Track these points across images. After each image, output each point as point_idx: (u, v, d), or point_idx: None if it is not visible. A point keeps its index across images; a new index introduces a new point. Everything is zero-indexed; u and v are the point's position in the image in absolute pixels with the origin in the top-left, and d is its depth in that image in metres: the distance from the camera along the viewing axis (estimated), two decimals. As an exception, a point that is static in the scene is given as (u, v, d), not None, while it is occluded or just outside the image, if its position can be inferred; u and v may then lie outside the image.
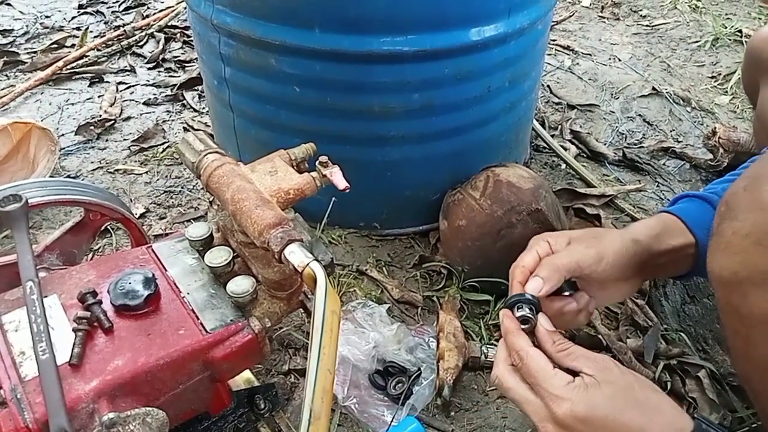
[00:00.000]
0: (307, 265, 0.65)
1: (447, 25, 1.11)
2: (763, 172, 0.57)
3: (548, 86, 1.88)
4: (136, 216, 1.40)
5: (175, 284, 0.75)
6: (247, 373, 0.91)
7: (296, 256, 0.66)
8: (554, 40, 2.11)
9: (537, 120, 1.71)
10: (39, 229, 1.36)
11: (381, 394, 1.00)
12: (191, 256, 0.79)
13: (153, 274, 0.72)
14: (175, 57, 2.05)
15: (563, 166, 1.57)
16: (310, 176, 0.76)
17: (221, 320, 0.71)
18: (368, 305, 1.07)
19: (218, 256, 0.76)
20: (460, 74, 1.17)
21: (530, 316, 0.66)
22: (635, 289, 0.79)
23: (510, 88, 1.27)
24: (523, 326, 0.65)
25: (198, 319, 0.71)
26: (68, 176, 1.52)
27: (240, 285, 0.72)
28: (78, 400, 0.60)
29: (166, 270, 0.77)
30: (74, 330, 0.65)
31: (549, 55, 2.03)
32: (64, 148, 1.60)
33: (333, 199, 1.18)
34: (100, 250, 1.32)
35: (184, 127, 1.70)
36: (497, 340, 1.11)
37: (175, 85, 1.88)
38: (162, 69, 2.00)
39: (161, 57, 2.04)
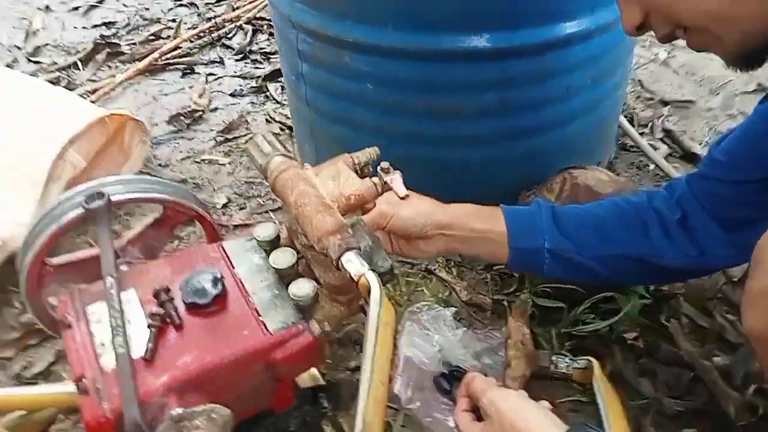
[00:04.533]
0: (363, 275, 0.65)
1: (526, 21, 1.07)
2: None
3: (639, 80, 1.77)
4: (219, 206, 1.47)
5: (241, 283, 0.78)
6: (312, 370, 0.93)
7: (353, 265, 0.66)
8: (649, 30, 1.99)
9: (625, 116, 1.62)
10: (133, 216, 1.45)
11: (446, 398, 1.00)
12: (258, 256, 0.82)
13: (221, 274, 0.75)
14: (261, 49, 2.11)
15: (651, 167, 1.48)
16: (372, 182, 0.76)
17: (283, 322, 0.73)
18: (434, 308, 1.06)
19: (282, 258, 0.77)
20: (538, 73, 1.12)
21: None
22: (437, 250, 0.92)
23: (593, 87, 1.21)
24: None
25: (261, 319, 0.73)
26: (159, 164, 1.61)
27: (302, 288, 0.74)
28: (150, 393, 0.64)
29: (234, 268, 0.80)
30: (148, 326, 0.69)
31: (642, 46, 1.91)
32: (156, 138, 1.70)
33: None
34: (185, 237, 1.39)
35: (266, 119, 1.75)
36: (569, 350, 1.07)
37: (259, 76, 1.93)
38: (248, 60, 2.06)
39: (248, 48, 2.10)
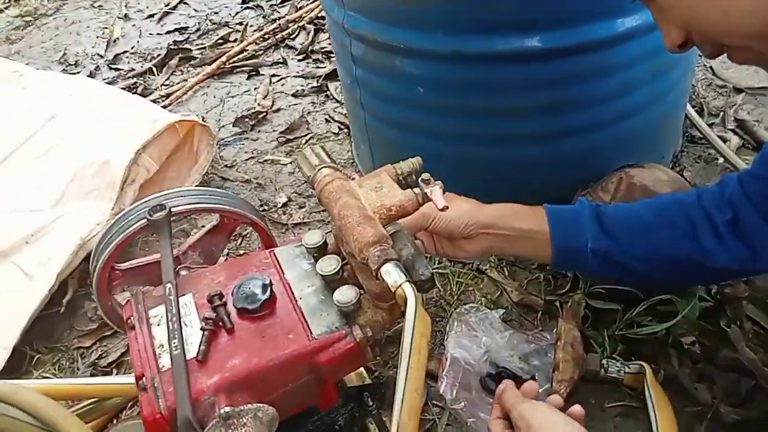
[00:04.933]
0: (400, 285, 0.67)
1: (582, 19, 1.04)
2: None
3: (711, 67, 1.68)
4: (279, 205, 1.53)
5: (290, 288, 0.82)
6: (360, 369, 0.96)
7: (390, 276, 0.68)
8: (725, 11, 1.87)
9: (694, 107, 1.55)
10: (201, 217, 1.53)
11: (491, 398, 1.01)
12: (307, 262, 0.86)
13: (270, 280, 0.79)
14: (323, 48, 2.15)
15: (720, 160, 1.41)
16: (413, 193, 0.78)
17: (327, 327, 0.77)
18: (482, 310, 1.07)
19: (328, 265, 0.81)
20: (595, 70, 1.10)
21: None
22: (481, 250, 0.92)
23: (652, 81, 1.17)
24: None
25: (306, 324, 0.77)
26: (225, 165, 1.70)
27: (345, 295, 0.77)
28: (201, 392, 0.69)
29: (284, 273, 0.84)
30: (201, 329, 0.75)
31: (717, 29, 1.81)
32: (223, 139, 1.78)
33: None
34: (247, 234, 1.47)
35: (325, 119, 1.80)
36: (620, 354, 1.06)
37: (320, 76, 1.98)
38: (310, 60, 2.12)
39: (310, 48, 2.16)
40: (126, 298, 0.88)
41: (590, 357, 1.03)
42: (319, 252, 0.85)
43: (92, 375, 1.16)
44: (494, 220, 0.90)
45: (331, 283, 0.81)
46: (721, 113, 1.54)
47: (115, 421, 1.03)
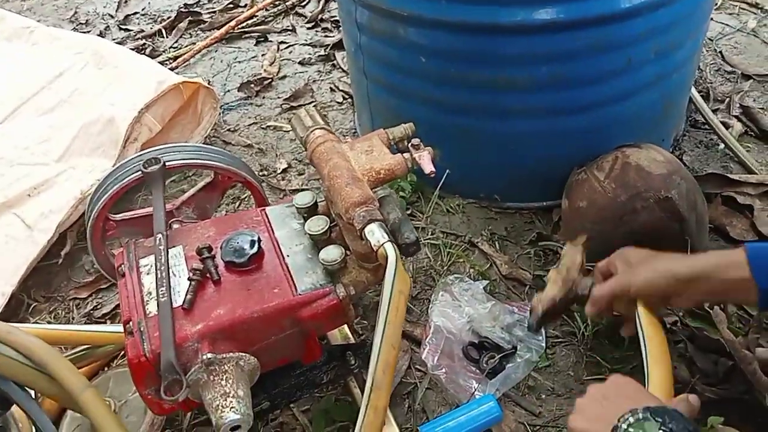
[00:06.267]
0: (382, 245, 0.69)
1: (583, -7, 1.04)
2: None
3: (720, 52, 1.66)
4: (279, 170, 1.54)
5: (278, 245, 0.84)
6: (344, 329, 0.99)
7: (374, 235, 0.70)
8: (740, -4, 1.85)
9: (700, 91, 1.54)
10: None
11: (473, 367, 1.03)
12: (297, 221, 0.87)
13: (258, 236, 0.81)
14: (332, 17, 2.14)
15: (721, 146, 1.41)
16: (402, 157, 0.79)
17: (312, 284, 0.79)
18: (465, 281, 1.08)
19: (316, 225, 0.82)
20: (595, 46, 1.09)
21: None
22: (690, 304, 0.93)
23: (656, 60, 1.16)
24: None
25: (292, 280, 0.79)
26: (228, 129, 1.71)
27: (330, 254, 0.79)
28: (185, 338, 0.72)
29: (273, 231, 0.86)
30: (189, 279, 0.77)
31: (730, 14, 1.79)
32: (227, 104, 1.79)
33: (447, 171, 1.19)
34: (245, 198, 1.48)
35: (330, 88, 1.80)
36: (604, 334, 1.07)
37: (328, 45, 1.98)
38: (319, 28, 2.11)
39: (320, 17, 2.15)
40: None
41: (582, 280, 0.98)
42: (309, 212, 0.87)
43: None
44: (696, 276, 0.86)
45: (319, 243, 0.83)
46: (727, 99, 1.53)
47: (107, 369, 1.06)
